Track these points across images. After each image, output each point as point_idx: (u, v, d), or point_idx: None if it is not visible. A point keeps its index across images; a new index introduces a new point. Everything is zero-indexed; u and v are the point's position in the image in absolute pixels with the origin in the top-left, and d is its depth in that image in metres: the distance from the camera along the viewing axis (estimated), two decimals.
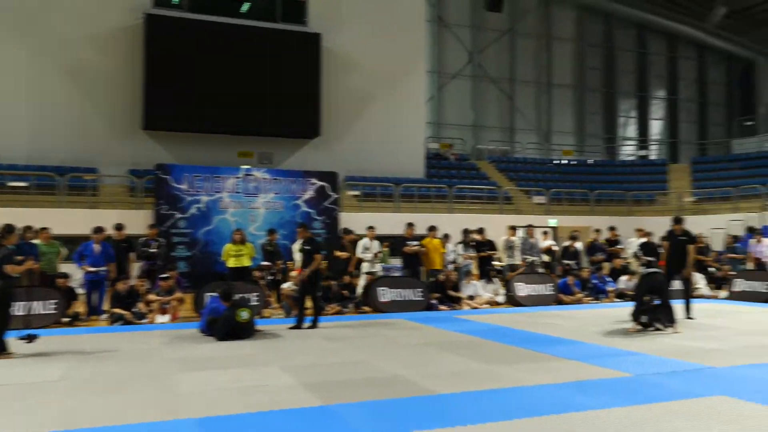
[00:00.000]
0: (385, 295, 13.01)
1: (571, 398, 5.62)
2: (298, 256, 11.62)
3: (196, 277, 15.37)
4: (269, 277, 13.31)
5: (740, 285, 14.82)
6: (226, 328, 9.00)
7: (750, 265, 15.63)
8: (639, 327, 9.60)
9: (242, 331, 9.08)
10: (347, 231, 14.91)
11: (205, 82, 19.93)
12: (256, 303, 11.78)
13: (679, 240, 11.34)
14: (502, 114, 31.26)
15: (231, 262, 12.87)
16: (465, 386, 6.08)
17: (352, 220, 17.92)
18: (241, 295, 10.81)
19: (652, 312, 9.63)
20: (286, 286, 12.30)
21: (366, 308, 12.78)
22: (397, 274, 14.95)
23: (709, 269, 16.10)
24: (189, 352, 8.13)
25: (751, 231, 16.62)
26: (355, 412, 5.23)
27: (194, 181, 17.45)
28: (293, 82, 20.97)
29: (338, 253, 13.92)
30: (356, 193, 21.35)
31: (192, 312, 11.72)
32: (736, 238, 17.04)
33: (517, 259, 15.60)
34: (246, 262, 12.95)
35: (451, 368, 7.04)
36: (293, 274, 12.09)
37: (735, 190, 22.52)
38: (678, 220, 11.67)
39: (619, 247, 16.88)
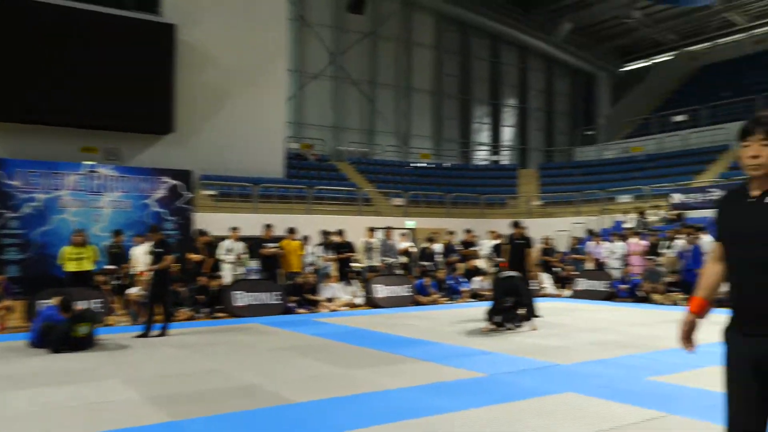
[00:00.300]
0: (241, 298, 12.58)
1: (429, 401, 5.60)
2: (145, 259, 10.88)
3: (29, 283, 13.94)
4: (114, 282, 12.39)
5: (582, 284, 15.85)
6: (62, 338, 8.20)
7: (590, 265, 16.73)
8: (493, 326, 9.89)
9: (80, 343, 8.31)
10: (202, 232, 14.25)
11: (44, 70, 18.22)
12: (99, 310, 10.90)
13: (518, 243, 11.76)
14: (363, 116, 31.49)
15: (70, 266, 11.80)
16: (323, 393, 5.89)
17: (208, 220, 17.17)
18: (82, 306, 9.94)
19: (506, 312, 9.96)
20: (133, 291, 11.52)
21: (220, 313, 12.25)
22: (254, 276, 14.50)
23: (554, 269, 17.06)
24: (17, 368, 7.31)
25: (591, 233, 17.82)
26: (206, 428, 4.87)
27: (29, 177, 15.92)
28: (144, 74, 19.74)
29: (191, 256, 13.26)
30: (212, 192, 20.53)
31: (23, 322, 10.61)
32: (579, 240, 18.15)
33: (376, 261, 15.70)
34: (87, 266, 11.91)
35: (308, 373, 6.84)
36: (141, 278, 11.33)
37: (578, 195, 24.03)
38: (516, 224, 12.04)
39: (472, 249, 17.46)
